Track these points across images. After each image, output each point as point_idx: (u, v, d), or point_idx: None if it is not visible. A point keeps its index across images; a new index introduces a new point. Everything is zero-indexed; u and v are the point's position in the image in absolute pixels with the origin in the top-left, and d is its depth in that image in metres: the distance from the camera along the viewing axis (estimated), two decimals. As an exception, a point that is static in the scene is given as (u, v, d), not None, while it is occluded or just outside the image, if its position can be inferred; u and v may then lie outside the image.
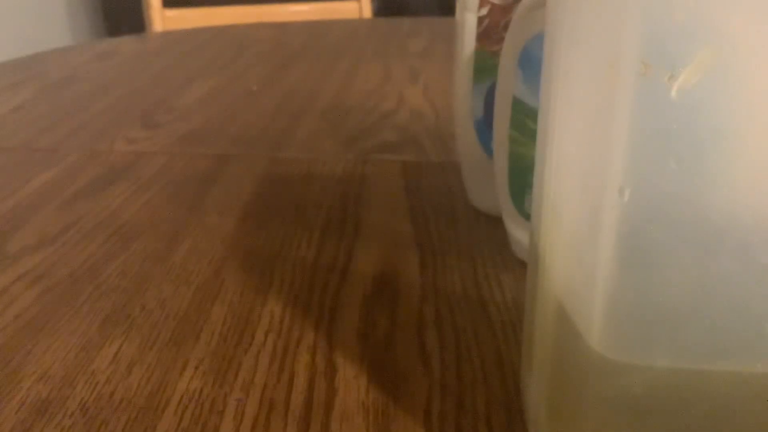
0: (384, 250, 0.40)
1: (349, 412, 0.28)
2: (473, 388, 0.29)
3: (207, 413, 0.28)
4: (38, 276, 0.38)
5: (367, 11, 1.38)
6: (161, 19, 1.32)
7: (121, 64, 0.91)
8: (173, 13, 1.34)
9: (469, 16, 0.40)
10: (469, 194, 0.45)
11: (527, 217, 0.38)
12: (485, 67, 0.40)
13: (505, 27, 0.36)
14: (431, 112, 0.66)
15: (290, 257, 0.40)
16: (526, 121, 0.36)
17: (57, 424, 0.27)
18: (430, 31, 1.05)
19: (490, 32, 0.39)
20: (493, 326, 0.33)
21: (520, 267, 0.38)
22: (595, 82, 0.18)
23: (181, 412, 0.28)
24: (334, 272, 0.38)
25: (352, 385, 0.29)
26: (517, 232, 0.38)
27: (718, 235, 0.18)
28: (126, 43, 1.05)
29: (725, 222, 0.18)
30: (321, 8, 1.37)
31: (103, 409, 0.28)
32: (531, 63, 0.34)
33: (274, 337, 0.32)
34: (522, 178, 0.37)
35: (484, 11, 0.39)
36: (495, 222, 0.41)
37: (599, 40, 0.18)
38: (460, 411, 0.28)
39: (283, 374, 0.30)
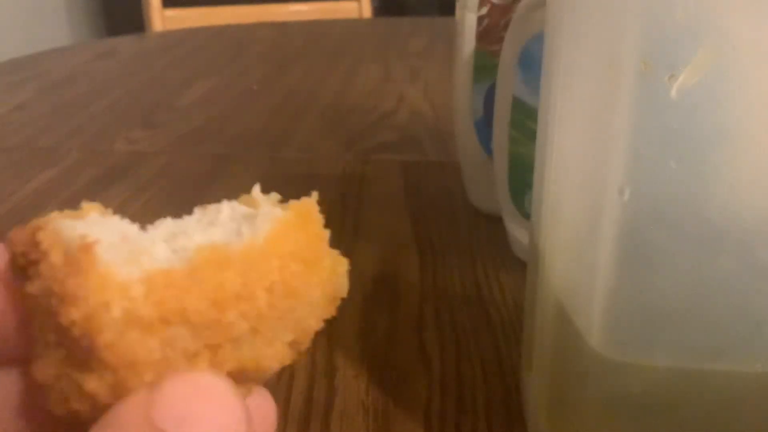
0: (384, 250, 0.40)
1: (349, 412, 0.28)
2: (473, 388, 0.29)
3: (207, 413, 0.28)
4: (38, 276, 0.38)
5: (367, 11, 1.38)
6: (161, 18, 1.32)
7: (120, 64, 0.91)
8: (173, 12, 1.34)
9: (469, 16, 0.40)
10: (469, 194, 0.45)
11: (527, 216, 0.38)
12: (485, 67, 0.40)
13: (505, 27, 0.36)
14: (431, 112, 0.66)
15: (290, 257, 0.40)
16: (526, 121, 0.36)
17: (57, 424, 0.27)
18: (430, 31, 1.05)
19: (490, 32, 0.39)
20: (493, 326, 0.33)
21: (520, 267, 0.38)
22: (595, 81, 0.18)
23: (181, 412, 0.28)
24: (334, 272, 0.38)
25: (352, 385, 0.29)
26: (517, 232, 0.38)
27: (718, 235, 0.18)
28: (126, 43, 1.05)
29: (725, 222, 0.18)
30: (321, 8, 1.37)
31: (103, 409, 0.28)
32: (531, 63, 0.34)
33: (274, 337, 0.32)
34: (522, 178, 0.37)
35: (484, 11, 0.39)
36: (495, 222, 0.41)
37: (599, 40, 0.18)
38: (460, 411, 0.28)
39: (283, 374, 0.30)
